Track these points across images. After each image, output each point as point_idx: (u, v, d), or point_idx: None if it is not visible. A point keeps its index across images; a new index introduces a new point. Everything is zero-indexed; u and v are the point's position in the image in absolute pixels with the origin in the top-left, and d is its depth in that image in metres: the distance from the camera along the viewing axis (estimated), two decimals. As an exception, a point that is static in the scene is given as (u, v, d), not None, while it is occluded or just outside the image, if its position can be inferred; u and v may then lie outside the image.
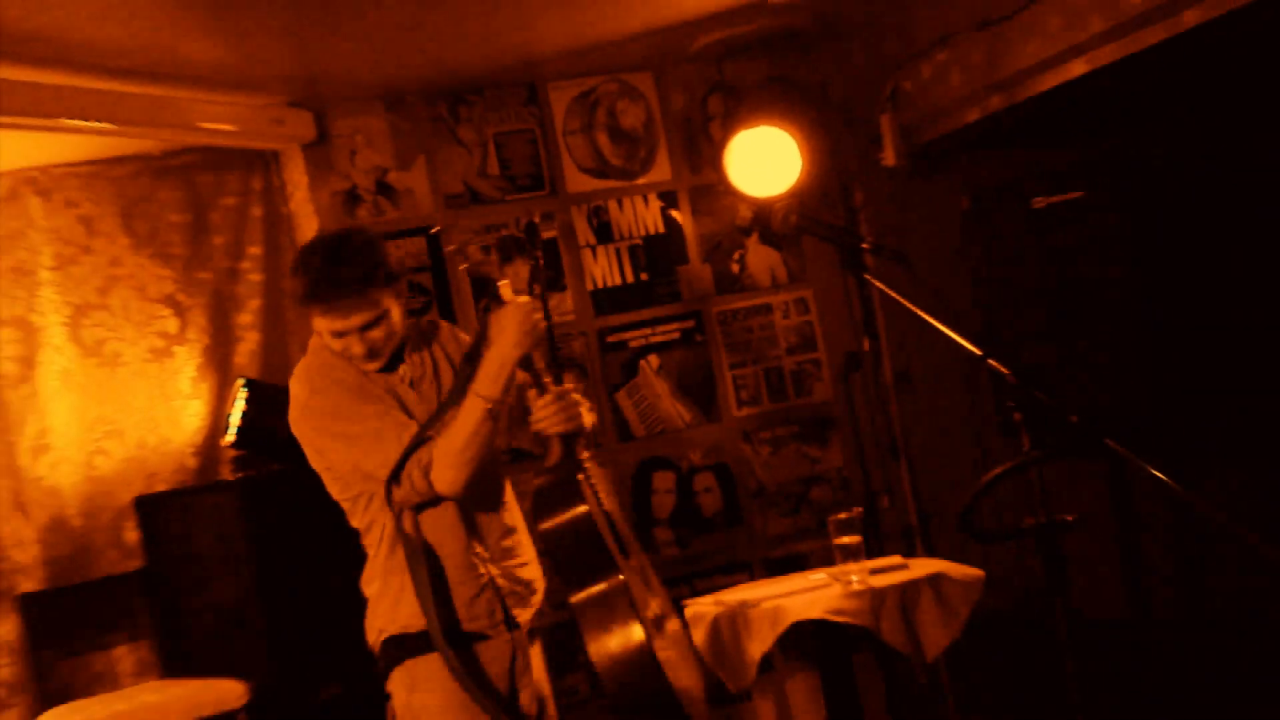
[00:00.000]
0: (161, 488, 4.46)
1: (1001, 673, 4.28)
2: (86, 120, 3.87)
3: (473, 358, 2.71)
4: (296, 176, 4.45)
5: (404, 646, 2.66)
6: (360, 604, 3.11)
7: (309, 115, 4.35)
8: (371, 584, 2.76)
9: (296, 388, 2.71)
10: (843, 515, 3.40)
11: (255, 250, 4.64)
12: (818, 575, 3.53)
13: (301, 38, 3.83)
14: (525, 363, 2.73)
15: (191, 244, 4.59)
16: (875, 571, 3.36)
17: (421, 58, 4.16)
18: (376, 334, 2.59)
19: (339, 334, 2.59)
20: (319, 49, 3.97)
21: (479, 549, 2.74)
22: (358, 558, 3.39)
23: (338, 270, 2.48)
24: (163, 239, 4.54)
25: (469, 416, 2.58)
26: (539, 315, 2.64)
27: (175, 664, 4.39)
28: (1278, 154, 4.12)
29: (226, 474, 4.47)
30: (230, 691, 3.94)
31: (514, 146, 4.66)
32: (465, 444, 2.55)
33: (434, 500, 2.63)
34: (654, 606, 2.99)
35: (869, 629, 3.19)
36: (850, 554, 3.36)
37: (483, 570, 2.74)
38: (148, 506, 4.37)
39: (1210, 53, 3.70)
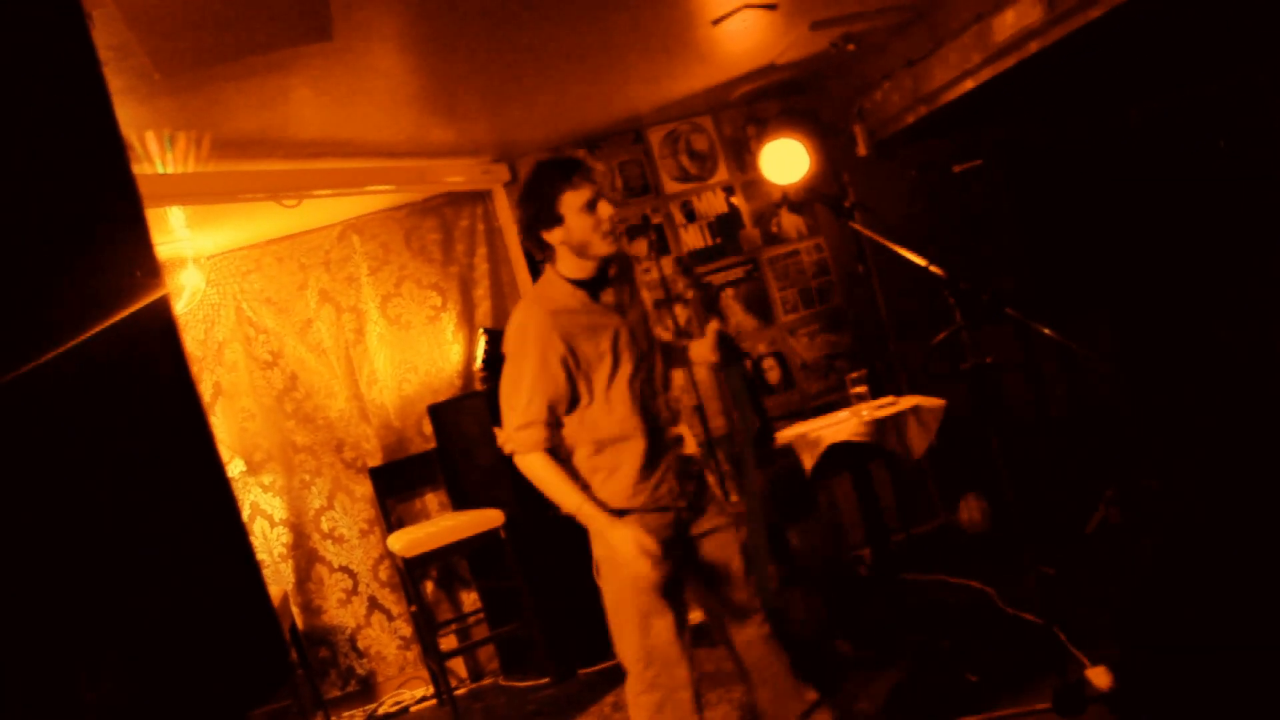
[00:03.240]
0: (442, 398, 5.22)
1: (960, 457, 4.69)
2: (379, 185, 4.74)
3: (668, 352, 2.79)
4: (501, 204, 5.24)
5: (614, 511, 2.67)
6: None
7: (505, 166, 5.12)
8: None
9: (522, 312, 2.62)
10: (854, 375, 4.11)
11: (482, 250, 5.39)
12: (842, 414, 4.09)
13: (499, 122, 4.57)
14: (708, 304, 3.03)
15: (445, 251, 5.33)
16: (878, 408, 3.94)
17: (570, 122, 4.91)
18: (611, 210, 2.54)
19: (590, 204, 2.48)
20: (509, 126, 4.67)
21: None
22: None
23: (578, 159, 2.58)
24: (428, 251, 5.31)
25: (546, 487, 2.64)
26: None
27: (460, 503, 5.07)
28: (1085, 136, 4.95)
29: (478, 387, 5.15)
30: (495, 517, 4.60)
31: (630, 169, 5.27)
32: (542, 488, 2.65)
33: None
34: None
35: (878, 444, 3.75)
36: (861, 398, 4.03)
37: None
38: (436, 410, 5.12)
39: (1047, 68, 4.33)
